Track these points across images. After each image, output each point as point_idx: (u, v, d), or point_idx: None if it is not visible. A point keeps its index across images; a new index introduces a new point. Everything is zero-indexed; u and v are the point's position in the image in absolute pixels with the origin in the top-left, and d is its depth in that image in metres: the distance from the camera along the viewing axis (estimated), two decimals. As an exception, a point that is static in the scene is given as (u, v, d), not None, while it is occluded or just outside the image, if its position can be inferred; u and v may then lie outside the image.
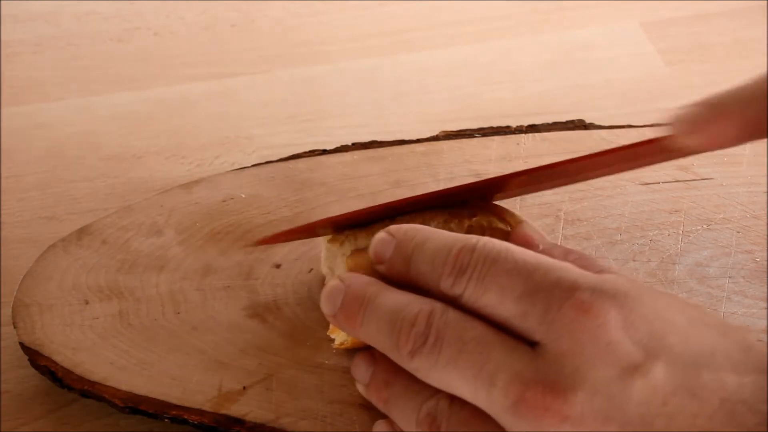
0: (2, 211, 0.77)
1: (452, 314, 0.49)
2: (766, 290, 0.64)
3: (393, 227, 0.55)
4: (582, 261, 0.54)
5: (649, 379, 0.45)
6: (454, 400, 0.49)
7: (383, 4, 0.99)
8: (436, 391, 0.50)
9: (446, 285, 0.50)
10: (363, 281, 0.54)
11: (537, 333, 0.47)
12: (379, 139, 0.76)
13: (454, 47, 0.94)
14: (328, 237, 0.61)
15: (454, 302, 0.50)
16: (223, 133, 0.85)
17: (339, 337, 0.60)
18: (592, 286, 0.47)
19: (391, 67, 0.92)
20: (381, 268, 0.55)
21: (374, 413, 0.57)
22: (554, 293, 0.47)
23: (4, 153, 0.83)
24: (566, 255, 0.55)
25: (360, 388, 0.56)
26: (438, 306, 0.50)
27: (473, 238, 0.51)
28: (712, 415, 0.44)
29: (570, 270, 0.48)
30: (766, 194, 0.70)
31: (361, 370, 0.55)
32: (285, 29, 0.97)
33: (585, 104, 0.85)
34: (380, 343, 0.52)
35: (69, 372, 0.61)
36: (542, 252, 0.55)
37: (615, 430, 0.44)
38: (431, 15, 0.98)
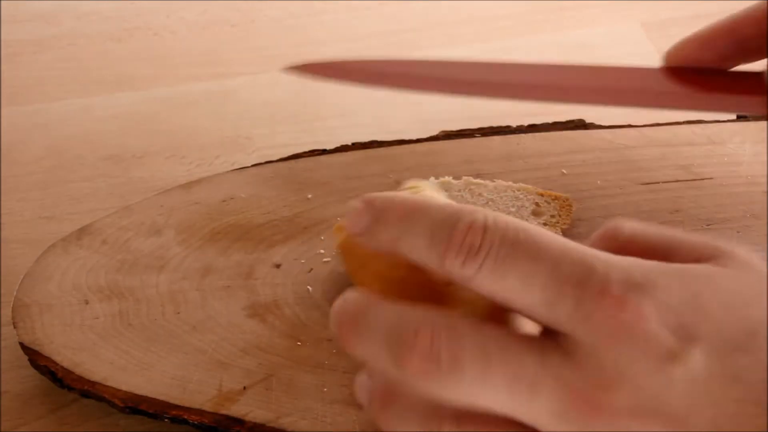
0: (2, 211, 0.78)
1: (462, 326, 0.46)
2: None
3: (369, 195, 0.49)
4: (620, 237, 0.51)
5: (689, 368, 0.44)
6: (461, 420, 0.47)
7: (383, 4, 1.00)
8: (439, 416, 0.47)
9: (453, 265, 0.46)
10: (353, 297, 0.49)
11: (566, 326, 0.45)
12: (379, 139, 0.77)
13: (454, 47, 0.94)
14: None
15: (462, 282, 0.46)
16: (223, 133, 0.86)
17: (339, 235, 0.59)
18: (624, 277, 0.45)
19: (391, 67, 0.92)
20: (360, 240, 0.50)
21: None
22: (586, 284, 0.44)
23: (4, 153, 0.84)
24: (605, 237, 0.52)
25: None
26: (439, 320, 0.46)
27: (479, 212, 0.46)
28: (757, 400, 0.43)
29: (598, 257, 0.46)
30: (766, 194, 0.70)
31: (363, 391, 0.50)
32: (285, 29, 0.98)
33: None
34: (380, 366, 0.47)
35: (69, 372, 0.61)
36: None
37: (665, 422, 0.43)
38: (431, 15, 0.98)
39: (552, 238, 0.46)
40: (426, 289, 0.53)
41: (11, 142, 0.85)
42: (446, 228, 0.46)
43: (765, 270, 0.47)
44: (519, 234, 0.46)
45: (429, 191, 0.61)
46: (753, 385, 0.44)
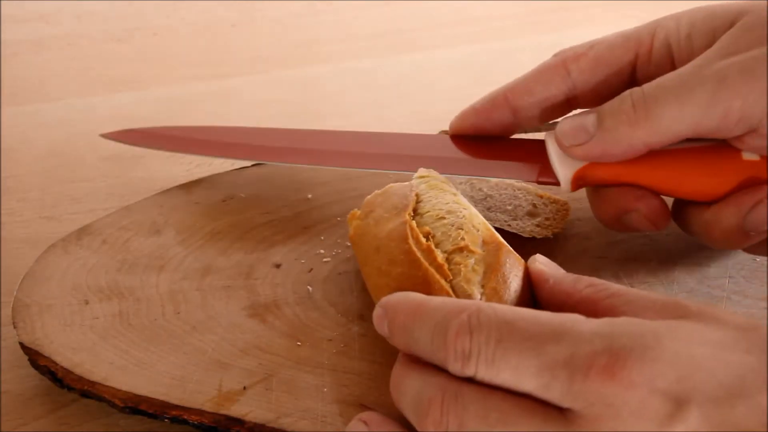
0: (2, 211, 0.78)
1: (468, 394, 0.49)
2: (766, 290, 0.64)
3: (383, 300, 0.55)
4: (593, 288, 0.53)
5: (689, 426, 0.44)
6: None
7: (383, 4, 1.00)
8: None
9: (455, 369, 0.49)
10: (397, 365, 0.55)
11: (564, 402, 0.46)
12: (379, 139, 0.77)
13: (454, 47, 0.94)
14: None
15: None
16: (223, 133, 0.85)
17: (350, 228, 0.63)
18: (607, 344, 0.46)
19: (391, 67, 0.92)
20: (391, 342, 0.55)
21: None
22: (574, 363, 0.46)
23: (4, 153, 0.84)
24: (575, 284, 0.55)
25: None
26: (450, 388, 0.49)
27: (464, 313, 0.50)
28: None
29: (580, 329, 0.47)
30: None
31: None
32: (285, 29, 0.98)
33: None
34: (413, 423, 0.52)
35: (69, 372, 0.61)
36: (552, 286, 0.56)
37: None
38: (431, 15, 0.98)
39: (535, 321, 0.49)
40: (421, 282, 0.56)
41: (11, 142, 0.85)
42: (441, 335, 0.50)
43: (729, 318, 0.49)
44: (502, 330, 0.48)
45: (436, 180, 0.62)
46: (755, 429, 0.44)
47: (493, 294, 0.56)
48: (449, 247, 0.58)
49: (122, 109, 0.89)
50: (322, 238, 0.70)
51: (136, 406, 0.59)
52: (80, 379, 0.60)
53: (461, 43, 0.94)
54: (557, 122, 0.65)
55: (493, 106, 0.68)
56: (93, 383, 0.60)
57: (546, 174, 0.66)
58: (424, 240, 0.58)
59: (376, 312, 0.55)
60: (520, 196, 0.71)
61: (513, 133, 0.70)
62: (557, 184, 0.65)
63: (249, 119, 0.87)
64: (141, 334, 0.63)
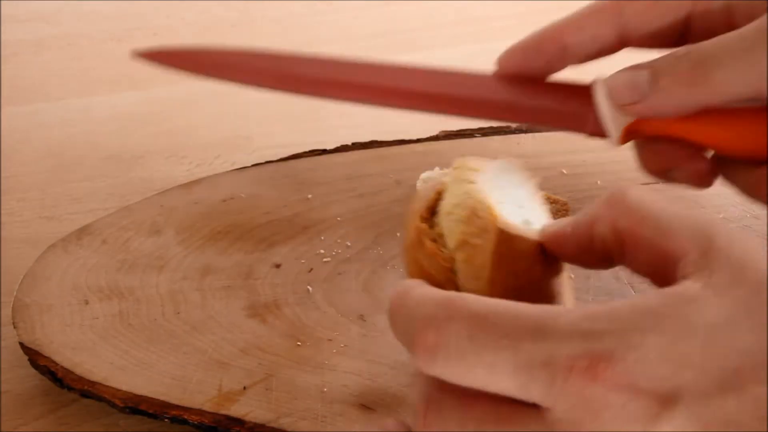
0: (2, 211, 0.78)
1: (448, 402, 0.46)
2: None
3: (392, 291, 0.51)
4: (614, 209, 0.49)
5: (676, 425, 0.42)
6: None
7: (383, 4, 1.00)
8: None
9: (422, 365, 0.45)
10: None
11: (544, 403, 0.44)
12: (379, 139, 0.76)
13: (454, 47, 0.94)
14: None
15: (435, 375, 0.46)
16: (223, 133, 0.86)
17: None
18: (589, 345, 0.43)
19: (391, 68, 0.92)
20: None
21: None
22: (553, 364, 0.43)
23: (4, 153, 0.84)
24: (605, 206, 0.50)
25: None
26: (432, 395, 0.46)
27: (432, 303, 0.46)
28: None
29: (559, 323, 0.44)
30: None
31: None
32: (285, 29, 0.97)
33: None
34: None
35: (69, 372, 0.61)
36: (570, 234, 0.51)
37: None
38: (431, 15, 0.98)
39: (510, 315, 0.45)
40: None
41: (11, 142, 0.85)
42: (410, 328, 0.46)
43: (761, 271, 0.44)
44: (474, 323, 0.45)
45: (465, 169, 0.59)
46: (748, 423, 0.42)
47: (499, 286, 0.52)
48: (452, 244, 0.56)
49: (122, 109, 0.89)
50: (322, 238, 0.70)
51: (136, 406, 0.59)
52: (80, 379, 0.60)
53: (461, 43, 0.94)
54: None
55: (542, 41, 0.66)
56: (93, 383, 0.60)
57: (594, 126, 0.64)
58: (429, 244, 0.56)
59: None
60: None
61: (561, 70, 0.67)
62: (605, 137, 0.63)
63: (249, 119, 0.87)
64: (141, 334, 0.63)
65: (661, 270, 0.47)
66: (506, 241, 0.52)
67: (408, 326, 0.46)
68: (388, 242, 0.69)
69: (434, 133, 0.77)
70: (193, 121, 0.87)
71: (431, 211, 0.58)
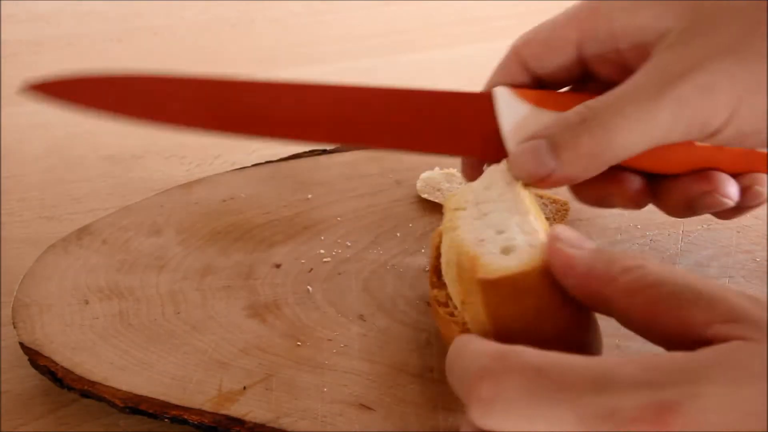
0: (2, 211, 0.78)
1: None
2: (766, 290, 0.64)
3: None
4: (630, 276, 0.48)
5: None
6: None
7: (383, 4, 1.00)
8: None
9: (476, 418, 0.45)
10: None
11: None
12: (378, 139, 0.76)
13: (454, 47, 0.94)
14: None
15: None
16: (223, 133, 0.85)
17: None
18: (653, 396, 0.43)
19: (391, 67, 0.92)
20: None
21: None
22: (618, 417, 0.43)
23: (4, 153, 0.84)
24: (608, 269, 0.49)
25: None
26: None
27: (487, 356, 0.45)
28: None
29: (619, 375, 0.44)
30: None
31: None
32: (285, 29, 0.97)
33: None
34: None
35: (69, 372, 0.61)
36: (582, 275, 0.49)
37: None
38: (431, 15, 0.98)
39: (569, 368, 0.45)
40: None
41: (11, 142, 0.85)
42: (465, 379, 0.46)
43: None
44: (531, 377, 0.44)
45: (459, 199, 0.58)
46: None
47: (505, 336, 0.50)
48: (459, 305, 0.54)
49: (122, 109, 0.89)
50: (322, 238, 0.70)
51: (136, 406, 0.59)
52: (80, 379, 0.60)
53: (461, 43, 0.94)
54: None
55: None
56: (93, 383, 0.60)
57: (492, 149, 0.62)
58: (442, 311, 0.55)
59: None
60: None
61: None
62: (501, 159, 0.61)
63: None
64: (141, 334, 0.63)
65: (676, 339, 0.47)
66: (493, 288, 0.50)
67: (463, 378, 0.46)
68: (388, 242, 0.69)
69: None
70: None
71: (438, 274, 0.58)
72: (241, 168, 0.76)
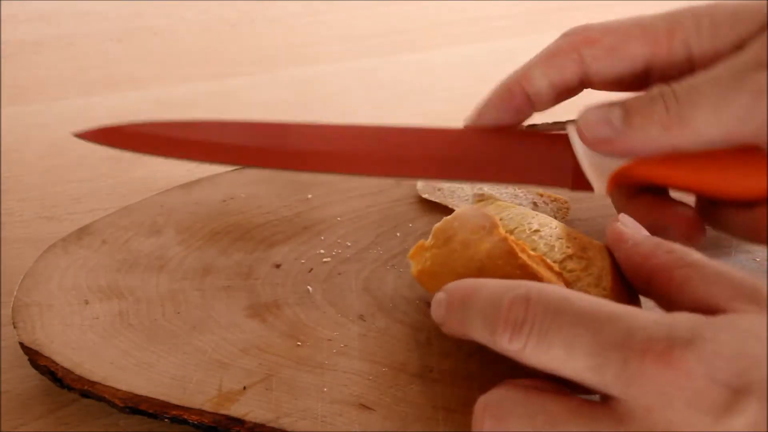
0: (2, 211, 0.78)
1: (514, 397, 0.48)
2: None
3: (450, 284, 0.54)
4: (672, 255, 0.52)
5: (747, 418, 0.43)
6: None
7: (383, 4, 1.00)
8: None
9: (502, 341, 0.48)
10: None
11: (614, 388, 0.45)
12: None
13: (454, 47, 0.94)
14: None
15: (513, 356, 0.49)
16: (223, 133, 0.85)
17: (415, 264, 0.61)
18: (666, 334, 0.45)
19: (391, 67, 0.92)
20: (443, 329, 0.55)
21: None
22: (630, 346, 0.45)
23: (4, 153, 0.84)
24: (655, 248, 0.53)
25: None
26: (497, 393, 0.49)
27: (523, 287, 0.49)
28: None
29: (638, 317, 0.47)
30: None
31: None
32: (285, 29, 0.98)
33: (584, 104, 0.85)
34: None
35: (69, 372, 0.61)
36: (630, 248, 0.55)
37: None
38: (431, 15, 0.98)
39: (593, 303, 0.48)
40: None
41: (11, 142, 0.85)
42: (494, 306, 0.49)
43: None
44: (560, 304, 0.47)
45: (498, 199, 0.61)
46: None
47: (614, 295, 0.55)
48: (558, 256, 0.57)
49: (122, 109, 0.89)
50: (322, 238, 0.70)
51: (136, 406, 0.59)
52: (80, 379, 0.60)
53: (461, 43, 0.94)
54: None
55: (509, 96, 0.67)
56: (93, 383, 0.60)
57: (579, 180, 0.64)
58: (532, 252, 0.56)
59: (438, 296, 0.55)
60: (521, 194, 0.71)
61: (529, 118, 0.69)
62: (589, 189, 0.64)
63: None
64: (141, 334, 0.63)
65: (701, 312, 0.48)
66: (609, 252, 0.58)
67: (491, 304, 0.49)
68: (388, 242, 0.69)
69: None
70: (193, 121, 0.87)
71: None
72: (240, 168, 0.76)
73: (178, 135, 0.70)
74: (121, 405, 0.59)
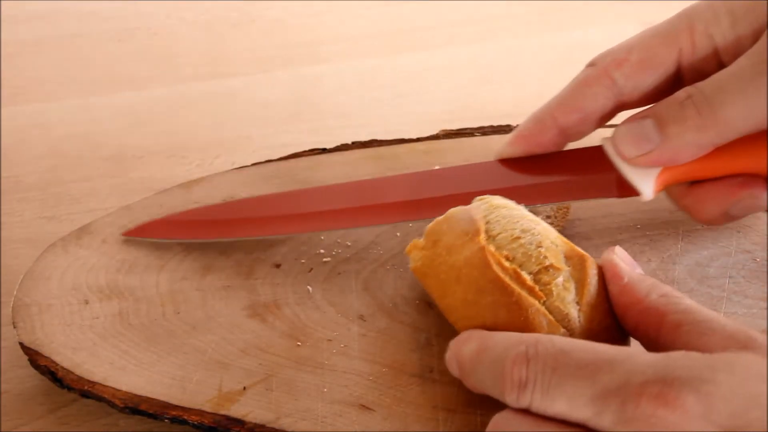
0: (2, 211, 0.78)
1: (522, 421, 0.50)
2: (766, 290, 0.64)
3: (452, 342, 0.56)
4: (665, 299, 0.53)
5: None
6: None
7: (383, 4, 1.00)
8: None
9: (511, 399, 0.50)
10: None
11: (616, 429, 0.46)
12: (379, 138, 0.76)
13: (454, 47, 0.94)
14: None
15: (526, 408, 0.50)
16: (223, 133, 0.85)
17: (411, 260, 0.61)
18: (662, 375, 0.46)
19: (391, 67, 0.92)
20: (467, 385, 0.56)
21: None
22: (626, 390, 0.46)
23: (4, 153, 0.84)
24: (650, 290, 0.54)
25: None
26: (505, 417, 0.50)
27: (522, 345, 0.50)
28: None
29: (635, 359, 0.47)
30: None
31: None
32: (285, 29, 0.98)
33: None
34: None
35: (69, 372, 0.61)
36: (626, 285, 0.55)
37: None
38: (431, 15, 0.98)
39: (589, 351, 0.49)
40: (515, 308, 0.55)
41: (11, 142, 0.85)
42: (498, 368, 0.51)
43: None
44: (558, 357, 0.49)
45: (497, 199, 0.61)
46: None
47: (590, 309, 0.55)
48: (534, 267, 0.56)
49: (122, 109, 0.89)
50: (322, 237, 0.70)
51: (136, 407, 0.59)
52: (80, 379, 0.60)
53: (461, 43, 0.94)
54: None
55: (541, 129, 0.66)
56: (93, 383, 0.60)
57: (622, 186, 0.64)
58: (507, 263, 0.56)
59: (447, 355, 0.56)
60: None
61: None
62: (636, 194, 0.64)
63: (249, 119, 0.87)
64: (141, 334, 0.63)
65: None
66: (592, 264, 0.58)
67: (495, 366, 0.51)
68: (388, 242, 0.69)
69: (434, 133, 0.76)
70: (193, 121, 0.87)
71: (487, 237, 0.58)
72: (240, 167, 0.75)
73: (219, 217, 0.70)
74: (121, 405, 0.59)
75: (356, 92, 0.89)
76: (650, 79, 0.64)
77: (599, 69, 0.65)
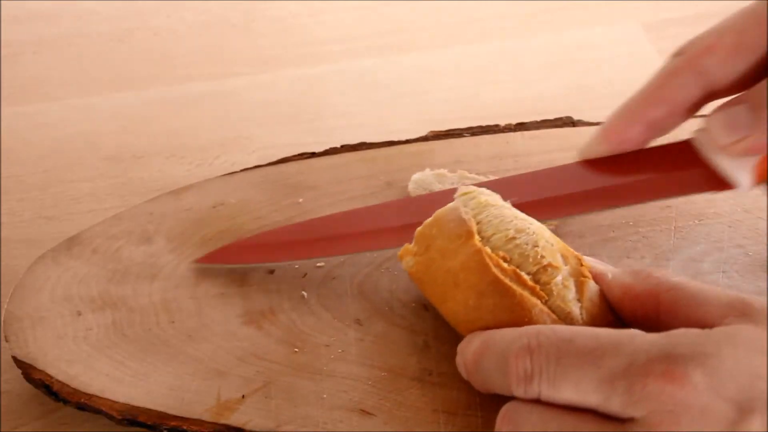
0: (2, 211, 0.78)
1: (531, 407, 0.50)
2: (759, 284, 0.64)
3: (461, 346, 0.56)
4: (653, 280, 0.53)
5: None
6: None
7: (383, 4, 0.99)
8: None
9: (519, 392, 0.50)
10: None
11: (626, 412, 0.46)
12: (379, 139, 0.76)
13: (454, 47, 0.94)
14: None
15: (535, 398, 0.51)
16: (223, 133, 0.85)
17: (405, 265, 0.60)
18: (666, 353, 0.46)
19: (391, 67, 0.92)
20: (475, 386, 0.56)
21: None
22: (632, 371, 0.46)
23: (4, 153, 0.84)
24: (635, 277, 0.55)
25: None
26: (514, 404, 0.51)
27: (524, 337, 0.51)
28: None
29: (638, 340, 0.48)
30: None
31: None
32: (285, 29, 0.97)
33: (585, 104, 0.85)
34: None
35: (65, 385, 0.61)
36: (611, 281, 0.56)
37: None
38: (431, 15, 0.98)
39: (592, 336, 0.49)
40: (518, 309, 0.55)
41: (11, 142, 0.85)
42: (503, 362, 0.51)
43: None
44: (561, 346, 0.49)
45: (483, 195, 0.60)
46: None
47: (592, 306, 0.56)
48: (532, 267, 0.56)
49: (122, 109, 0.89)
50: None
51: (134, 418, 0.59)
52: (76, 392, 0.60)
53: (461, 43, 0.94)
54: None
55: (627, 124, 0.64)
56: (89, 396, 0.60)
57: (715, 180, 0.63)
58: (506, 265, 0.56)
59: (457, 359, 0.57)
60: None
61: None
62: (732, 187, 0.62)
63: (249, 119, 0.87)
64: (136, 344, 0.63)
65: None
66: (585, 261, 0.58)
67: (500, 361, 0.51)
68: (382, 245, 0.69)
69: (424, 133, 0.76)
70: (193, 121, 0.87)
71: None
72: (230, 173, 0.75)
73: (284, 239, 0.68)
74: (119, 417, 0.59)
75: (356, 92, 0.89)
76: (743, 64, 0.62)
77: (688, 57, 0.63)
